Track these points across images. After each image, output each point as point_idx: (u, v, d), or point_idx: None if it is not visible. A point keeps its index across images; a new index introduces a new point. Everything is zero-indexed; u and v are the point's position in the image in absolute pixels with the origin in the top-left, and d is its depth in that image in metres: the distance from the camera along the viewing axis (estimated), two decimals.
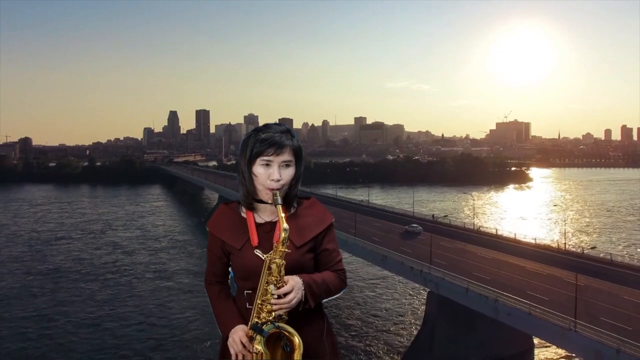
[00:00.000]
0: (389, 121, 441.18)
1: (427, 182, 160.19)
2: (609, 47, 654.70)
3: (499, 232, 56.41)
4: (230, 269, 2.41)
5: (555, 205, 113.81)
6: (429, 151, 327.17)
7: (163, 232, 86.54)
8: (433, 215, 69.32)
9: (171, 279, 57.51)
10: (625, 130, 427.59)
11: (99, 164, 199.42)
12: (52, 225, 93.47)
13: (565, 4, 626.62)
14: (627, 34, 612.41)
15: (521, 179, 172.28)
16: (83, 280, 57.00)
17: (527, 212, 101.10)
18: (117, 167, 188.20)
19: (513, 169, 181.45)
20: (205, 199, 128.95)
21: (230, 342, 2.23)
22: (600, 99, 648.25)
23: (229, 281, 2.45)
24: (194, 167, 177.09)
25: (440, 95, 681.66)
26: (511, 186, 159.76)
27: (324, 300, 2.34)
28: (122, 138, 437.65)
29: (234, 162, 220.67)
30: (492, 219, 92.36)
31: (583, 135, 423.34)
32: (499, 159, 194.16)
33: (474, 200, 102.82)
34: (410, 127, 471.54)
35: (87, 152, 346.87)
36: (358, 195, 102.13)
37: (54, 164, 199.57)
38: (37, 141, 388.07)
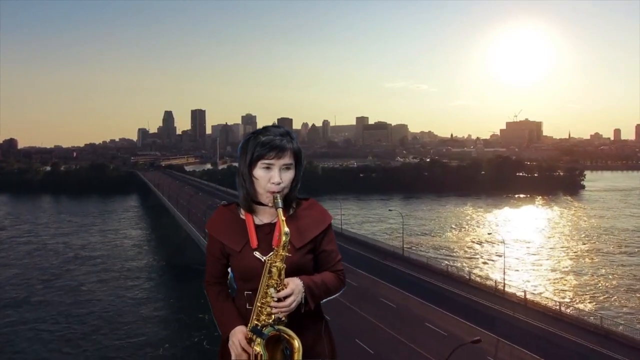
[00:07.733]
0: (389, 121, 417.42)
1: (456, 191, 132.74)
2: (608, 46, 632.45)
3: None
4: (229, 269, 2.43)
5: None
6: (439, 152, 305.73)
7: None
8: None
9: None
10: None
11: (62, 168, 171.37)
12: (12, 273, 61.10)
13: (565, 4, 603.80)
14: (627, 34, 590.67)
15: (571, 186, 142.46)
16: None
17: None
18: (86, 173, 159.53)
19: (560, 173, 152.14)
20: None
21: (230, 344, 2.25)
22: (600, 98, 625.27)
23: (228, 282, 2.46)
24: (177, 174, 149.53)
25: (439, 95, 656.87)
26: (565, 198, 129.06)
27: (323, 301, 2.37)
28: (117, 139, 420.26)
29: (225, 166, 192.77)
30: None
31: (591, 135, 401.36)
32: (544, 162, 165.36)
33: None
34: (412, 127, 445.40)
35: (74, 154, 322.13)
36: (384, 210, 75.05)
37: (16, 169, 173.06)
38: (33, 142, 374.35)
